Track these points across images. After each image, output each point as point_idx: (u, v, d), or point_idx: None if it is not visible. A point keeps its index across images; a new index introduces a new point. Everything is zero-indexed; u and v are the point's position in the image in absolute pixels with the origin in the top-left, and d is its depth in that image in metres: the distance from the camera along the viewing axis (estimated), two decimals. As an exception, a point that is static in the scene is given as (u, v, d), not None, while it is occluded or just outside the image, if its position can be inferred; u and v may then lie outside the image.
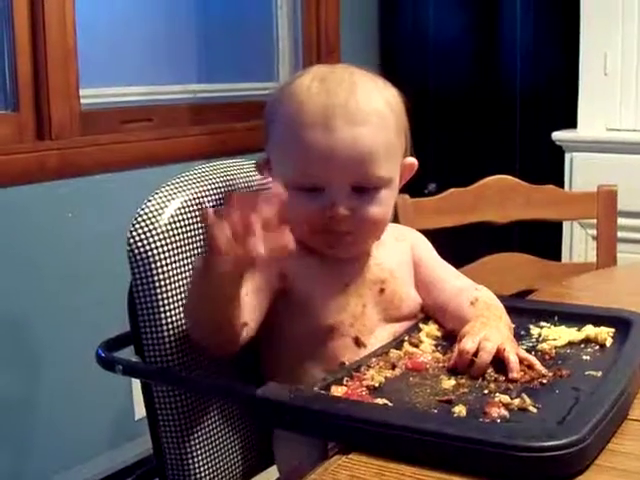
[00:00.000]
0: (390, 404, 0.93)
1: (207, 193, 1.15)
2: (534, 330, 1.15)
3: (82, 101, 2.11)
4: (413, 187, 1.71)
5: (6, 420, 1.91)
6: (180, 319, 1.08)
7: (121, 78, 2.30)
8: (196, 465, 1.10)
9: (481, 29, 2.78)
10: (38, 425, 1.96)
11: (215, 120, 2.38)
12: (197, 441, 1.10)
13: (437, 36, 2.81)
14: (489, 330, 1.05)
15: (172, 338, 1.08)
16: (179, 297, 1.09)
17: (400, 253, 1.21)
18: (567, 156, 2.43)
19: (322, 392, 0.94)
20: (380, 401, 0.93)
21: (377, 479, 0.81)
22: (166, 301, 1.07)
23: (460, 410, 0.90)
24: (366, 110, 1.07)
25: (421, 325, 1.16)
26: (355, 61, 2.74)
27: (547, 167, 2.52)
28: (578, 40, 2.44)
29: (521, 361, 1.01)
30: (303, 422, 0.90)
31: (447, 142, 2.78)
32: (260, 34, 2.68)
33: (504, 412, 0.90)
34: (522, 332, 1.15)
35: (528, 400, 0.92)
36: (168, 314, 1.07)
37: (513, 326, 1.13)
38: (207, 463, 1.11)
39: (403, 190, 2.19)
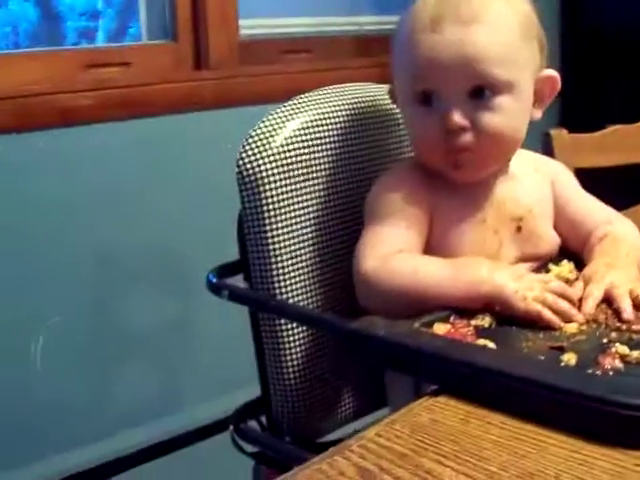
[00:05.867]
0: (493, 346, 0.85)
1: (326, 116, 1.11)
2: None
3: (245, 32, 2.10)
4: (587, 127, 1.60)
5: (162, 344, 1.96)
6: (288, 246, 1.05)
7: (284, 9, 2.27)
8: (301, 399, 1.06)
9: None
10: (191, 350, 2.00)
11: (379, 53, 2.30)
12: (302, 374, 1.06)
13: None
14: (614, 274, 0.96)
15: (279, 265, 1.04)
16: (288, 223, 1.05)
17: (540, 188, 1.12)
18: None
19: (420, 329, 0.88)
20: (483, 342, 0.86)
21: (461, 425, 0.74)
22: (274, 226, 1.04)
23: (569, 358, 0.81)
24: (480, 9, 0.99)
25: (550, 266, 1.06)
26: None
27: None
28: None
29: None
30: (394, 358, 0.85)
31: (628, 82, 2.58)
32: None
33: (618, 364, 0.80)
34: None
35: (649, 353, 0.82)
36: (276, 240, 1.04)
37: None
38: (311, 398, 1.07)
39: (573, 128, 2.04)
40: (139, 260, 1.89)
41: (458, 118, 0.98)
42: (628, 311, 0.90)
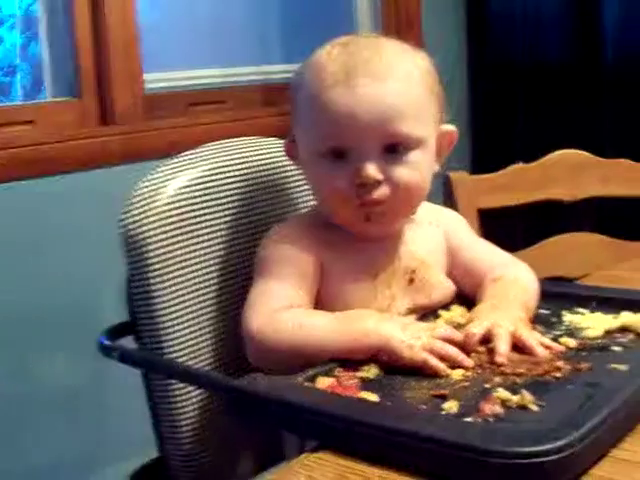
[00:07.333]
0: (375, 398, 0.84)
1: (212, 172, 1.10)
2: (567, 317, 1.04)
3: (152, 85, 2.09)
4: (501, 165, 1.62)
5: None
6: (175, 305, 1.03)
7: (192, 61, 2.27)
8: (196, 459, 1.05)
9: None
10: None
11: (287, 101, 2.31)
12: (196, 433, 1.04)
13: (525, 8, 2.64)
14: (498, 314, 0.96)
15: (167, 325, 1.03)
16: (175, 282, 1.04)
17: (433, 239, 1.13)
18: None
19: (302, 383, 0.87)
20: (366, 394, 0.85)
21: (337, 482, 0.73)
22: (160, 286, 1.03)
23: (451, 406, 0.81)
24: (391, 66, 1.01)
25: (440, 312, 1.06)
26: (438, 36, 2.63)
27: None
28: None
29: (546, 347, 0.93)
30: (274, 415, 0.84)
31: (536, 118, 2.63)
32: (337, 10, 2.60)
33: (499, 410, 0.80)
34: (554, 319, 1.04)
35: (529, 397, 0.81)
36: (164, 299, 1.03)
37: (538, 310, 1.05)
38: (206, 457, 1.05)
39: (479, 169, 2.06)
40: (45, 320, 1.85)
41: (373, 171, 0.99)
42: (502, 352, 0.90)
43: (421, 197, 1.06)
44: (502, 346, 0.91)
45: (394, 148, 1.00)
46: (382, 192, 1.00)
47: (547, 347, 0.93)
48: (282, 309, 0.98)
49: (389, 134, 0.99)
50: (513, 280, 1.07)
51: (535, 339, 0.93)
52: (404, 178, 1.01)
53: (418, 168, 1.02)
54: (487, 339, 0.93)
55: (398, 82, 1.00)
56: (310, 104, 1.02)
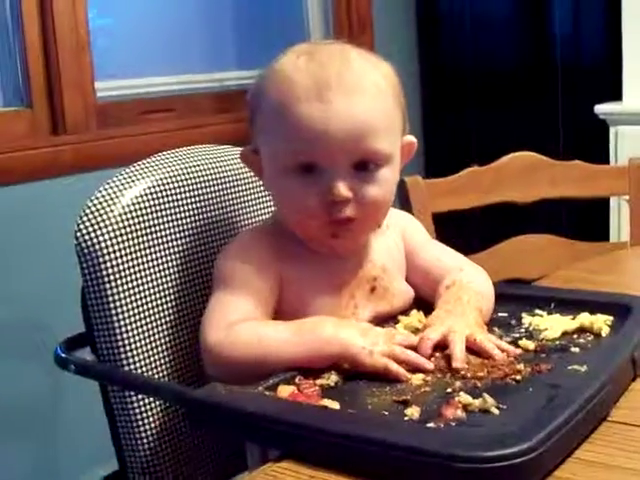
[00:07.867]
0: (336, 405, 0.84)
1: (167, 181, 1.09)
2: (526, 319, 1.04)
3: (104, 94, 2.07)
4: (454, 168, 1.62)
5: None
6: (132, 316, 1.02)
7: (144, 69, 2.26)
8: (157, 471, 1.03)
9: (520, 1, 2.64)
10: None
11: (242, 108, 2.30)
12: (157, 444, 1.03)
13: (476, 10, 2.67)
14: (453, 319, 0.96)
15: (124, 336, 1.01)
16: (132, 293, 1.02)
17: (393, 245, 1.13)
18: (612, 130, 2.27)
19: (263, 392, 0.86)
20: (327, 402, 0.84)
21: (301, 490, 0.73)
22: (117, 297, 1.01)
23: (413, 412, 0.81)
24: (362, 80, 0.99)
25: (400, 317, 1.06)
26: (391, 39, 2.64)
27: (592, 142, 2.37)
28: (620, 8, 2.29)
29: (502, 350, 0.93)
30: (234, 424, 0.83)
31: (488, 120, 2.65)
32: (289, 15, 2.60)
33: (460, 414, 0.80)
34: (513, 321, 1.05)
35: (490, 400, 0.81)
36: (120, 311, 1.01)
37: (497, 313, 1.06)
38: (167, 469, 1.04)
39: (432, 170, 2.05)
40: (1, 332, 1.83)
41: (344, 190, 0.97)
42: (458, 358, 0.91)
43: (387, 212, 1.06)
44: (458, 351, 0.91)
45: (365, 165, 0.99)
46: (351, 210, 0.99)
47: (504, 350, 0.93)
48: (240, 321, 0.97)
49: (361, 151, 0.98)
50: (467, 284, 1.07)
51: (492, 342, 0.94)
52: (373, 196, 0.99)
53: (387, 185, 1.01)
54: (444, 345, 0.93)
55: (370, 97, 0.98)
56: (278, 116, 0.98)
